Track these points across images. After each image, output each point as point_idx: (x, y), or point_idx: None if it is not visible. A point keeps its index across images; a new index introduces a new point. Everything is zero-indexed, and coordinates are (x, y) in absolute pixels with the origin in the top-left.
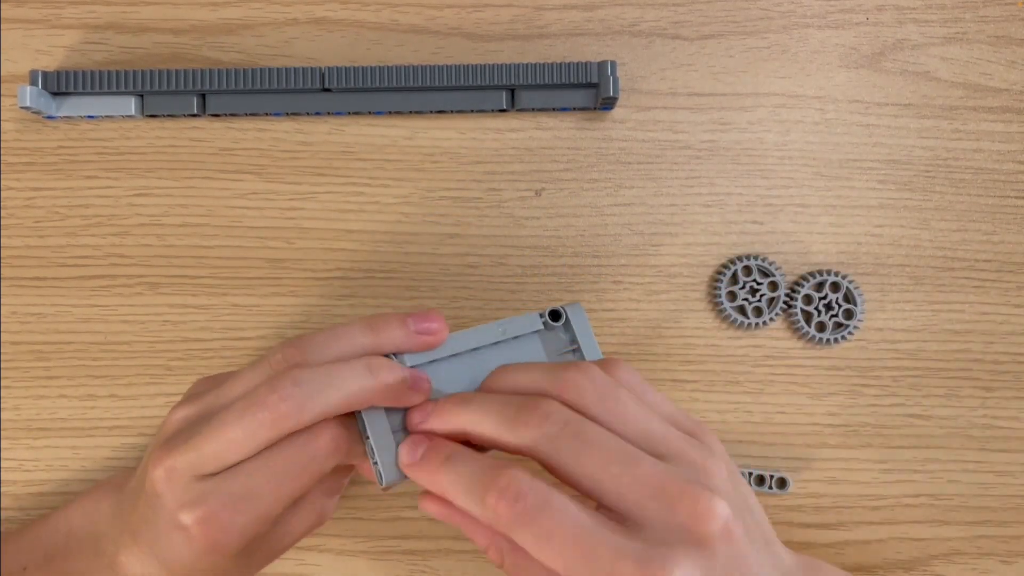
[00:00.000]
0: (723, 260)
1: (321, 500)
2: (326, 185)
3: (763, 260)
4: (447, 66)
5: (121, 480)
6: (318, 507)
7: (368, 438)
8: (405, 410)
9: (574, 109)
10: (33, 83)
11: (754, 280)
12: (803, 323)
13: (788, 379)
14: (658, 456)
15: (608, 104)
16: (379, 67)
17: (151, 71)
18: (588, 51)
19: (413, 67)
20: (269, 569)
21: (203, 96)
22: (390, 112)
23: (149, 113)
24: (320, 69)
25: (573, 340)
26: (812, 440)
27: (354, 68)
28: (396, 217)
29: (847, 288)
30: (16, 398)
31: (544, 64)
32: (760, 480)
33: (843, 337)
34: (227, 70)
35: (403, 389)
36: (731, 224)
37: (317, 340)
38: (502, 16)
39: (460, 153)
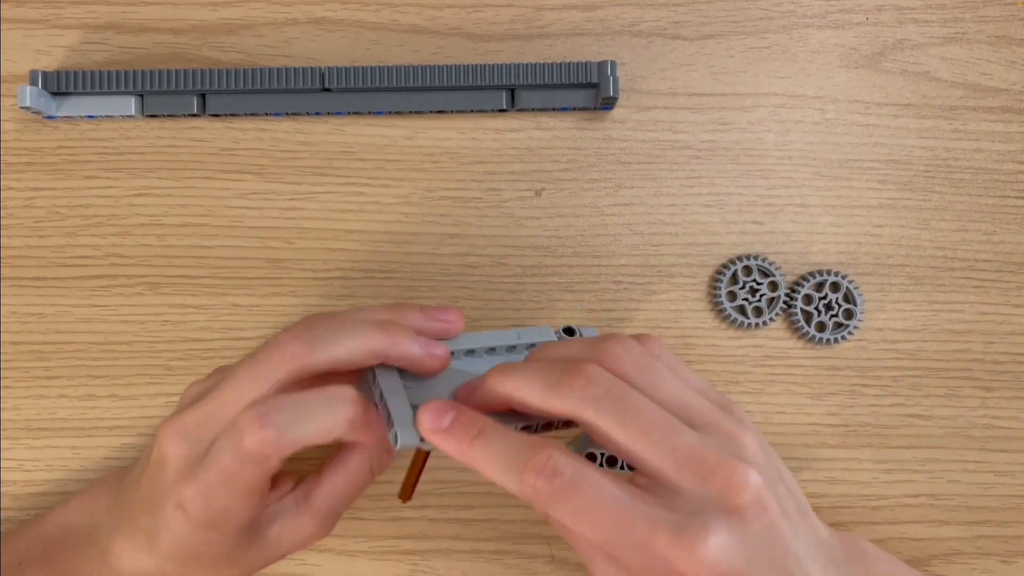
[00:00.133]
0: (723, 260)
1: (322, 514)
2: (326, 185)
3: (763, 260)
4: (447, 66)
5: (119, 475)
6: (318, 519)
7: (383, 398)
8: (417, 381)
9: (574, 109)
10: (33, 83)
11: (754, 280)
12: (803, 323)
13: (788, 379)
14: (693, 427)
15: (608, 104)
16: (379, 67)
17: (151, 71)
18: (588, 51)
19: (413, 67)
20: (269, 570)
21: (203, 96)
22: (390, 112)
23: (149, 113)
24: (320, 69)
25: None
26: (812, 440)
27: (354, 68)
28: (396, 217)
29: (847, 288)
30: (16, 398)
31: (544, 64)
32: None
33: (843, 337)
34: (227, 70)
35: (416, 344)
36: (731, 224)
37: (335, 314)
38: (502, 16)
39: (460, 153)
